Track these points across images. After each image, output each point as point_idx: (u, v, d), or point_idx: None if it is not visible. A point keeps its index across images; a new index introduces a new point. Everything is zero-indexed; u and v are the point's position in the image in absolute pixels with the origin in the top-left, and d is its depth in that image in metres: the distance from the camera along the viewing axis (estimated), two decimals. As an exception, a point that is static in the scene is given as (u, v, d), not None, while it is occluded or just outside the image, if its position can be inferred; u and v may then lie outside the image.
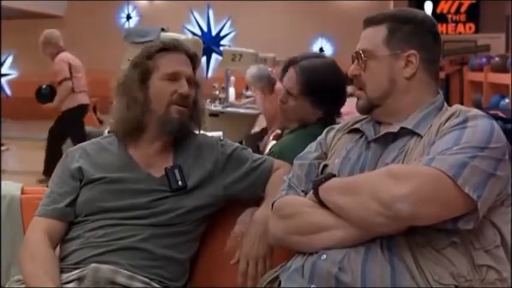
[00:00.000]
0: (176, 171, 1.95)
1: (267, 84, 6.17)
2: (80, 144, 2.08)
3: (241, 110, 7.45)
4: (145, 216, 1.90)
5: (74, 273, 1.82)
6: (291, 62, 2.46)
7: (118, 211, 1.90)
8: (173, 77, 1.97)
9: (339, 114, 2.47)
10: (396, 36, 1.71)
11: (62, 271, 1.84)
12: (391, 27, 1.72)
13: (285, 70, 2.48)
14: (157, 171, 1.97)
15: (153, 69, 1.98)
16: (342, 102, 2.47)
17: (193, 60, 2.05)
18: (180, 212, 1.93)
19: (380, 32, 1.73)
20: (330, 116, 2.40)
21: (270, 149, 2.51)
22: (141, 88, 1.97)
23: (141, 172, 1.97)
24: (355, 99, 1.82)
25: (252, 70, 6.36)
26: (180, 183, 1.94)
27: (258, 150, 4.83)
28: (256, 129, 7.49)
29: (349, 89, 2.54)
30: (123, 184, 1.94)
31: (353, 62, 1.77)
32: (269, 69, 6.48)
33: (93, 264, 1.81)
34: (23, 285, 1.82)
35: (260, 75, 6.27)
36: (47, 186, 2.06)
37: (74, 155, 2.02)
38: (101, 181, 1.94)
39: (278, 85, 6.46)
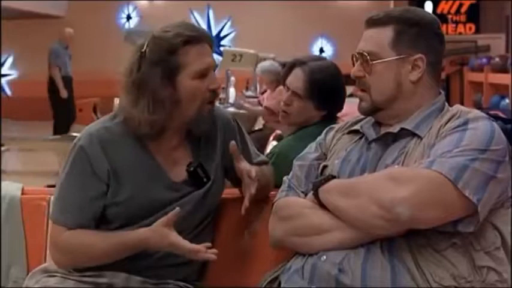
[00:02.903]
0: (198, 170, 1.86)
1: (274, 79, 6.54)
2: (97, 141, 1.81)
3: (241, 110, 7.46)
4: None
5: (103, 279, 1.81)
6: (297, 63, 2.43)
7: (147, 223, 1.79)
8: (204, 74, 1.81)
9: (337, 117, 2.47)
10: (403, 39, 1.67)
11: (84, 275, 1.83)
12: (398, 29, 1.68)
13: (289, 70, 2.46)
14: (179, 170, 1.87)
15: (180, 67, 1.79)
16: (342, 105, 2.47)
17: (211, 44, 1.87)
18: (203, 213, 1.90)
19: (386, 34, 1.68)
20: (330, 118, 2.39)
21: (271, 151, 2.51)
22: (168, 88, 1.78)
23: (168, 181, 1.85)
24: (354, 100, 1.81)
25: (265, 63, 6.98)
26: (205, 180, 1.88)
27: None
28: (257, 128, 7.51)
29: (349, 89, 2.55)
30: (151, 199, 1.83)
31: (353, 62, 1.74)
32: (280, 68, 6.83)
33: (124, 274, 1.82)
34: (52, 280, 1.82)
35: (269, 69, 6.77)
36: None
37: (96, 154, 1.80)
38: (131, 200, 1.81)
39: (280, 87, 6.72)
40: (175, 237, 1.72)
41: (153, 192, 1.83)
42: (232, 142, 1.87)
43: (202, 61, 1.81)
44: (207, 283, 2.03)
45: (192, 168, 1.86)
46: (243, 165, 1.87)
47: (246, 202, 1.84)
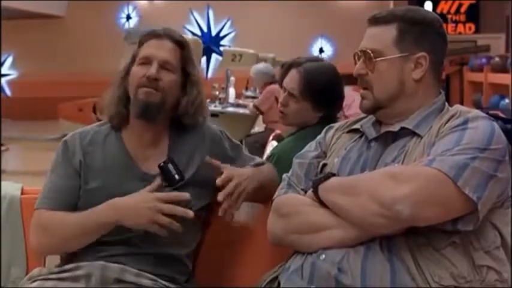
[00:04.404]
0: (170, 166, 1.91)
1: (267, 81, 6.97)
2: (79, 137, 2.00)
3: (241, 110, 7.48)
4: None
5: (80, 271, 1.82)
6: (293, 64, 2.44)
7: None
8: (145, 61, 1.94)
9: (336, 117, 2.47)
10: (406, 37, 1.68)
11: (63, 270, 1.85)
12: (401, 28, 1.68)
13: (286, 71, 2.47)
14: (153, 165, 1.93)
15: (136, 56, 1.98)
16: (341, 106, 2.46)
17: (182, 48, 1.98)
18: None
19: (389, 32, 1.69)
20: (330, 119, 2.39)
21: (271, 152, 2.51)
22: (126, 76, 1.97)
23: (139, 172, 1.93)
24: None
25: (259, 65, 7.23)
26: (177, 177, 1.91)
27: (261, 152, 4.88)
28: (256, 129, 7.52)
29: (347, 89, 2.55)
30: (123, 190, 1.88)
31: (355, 61, 1.74)
32: (274, 70, 6.97)
33: (101, 262, 1.82)
34: (33, 285, 1.83)
35: (262, 71, 7.04)
36: None
37: (74, 148, 1.96)
38: (101, 189, 1.90)
39: (272, 86, 6.97)
40: (159, 193, 1.82)
41: (124, 182, 1.91)
42: (207, 157, 1.97)
43: (146, 50, 1.96)
44: (204, 283, 2.03)
45: (162, 164, 1.92)
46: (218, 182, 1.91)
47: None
